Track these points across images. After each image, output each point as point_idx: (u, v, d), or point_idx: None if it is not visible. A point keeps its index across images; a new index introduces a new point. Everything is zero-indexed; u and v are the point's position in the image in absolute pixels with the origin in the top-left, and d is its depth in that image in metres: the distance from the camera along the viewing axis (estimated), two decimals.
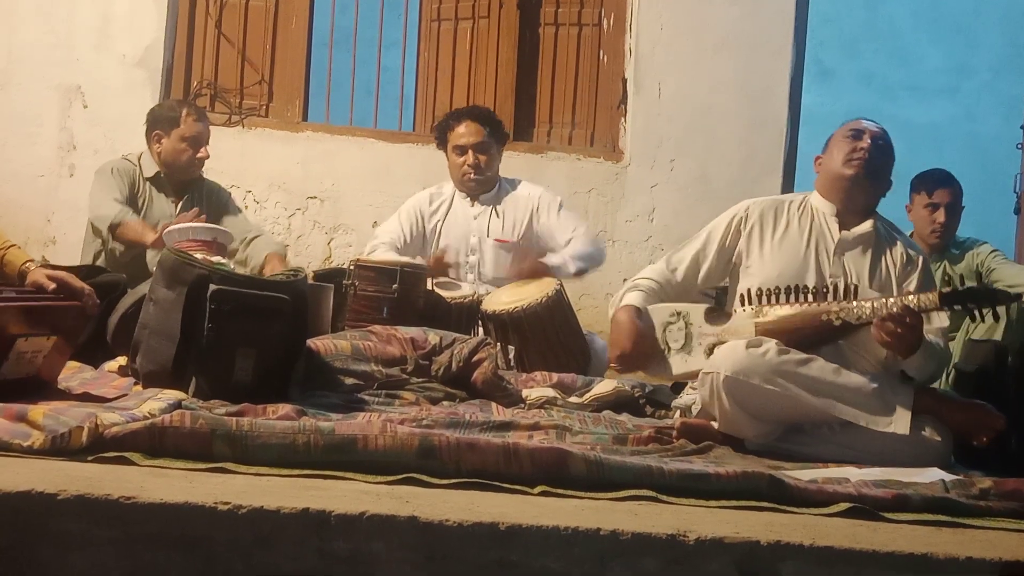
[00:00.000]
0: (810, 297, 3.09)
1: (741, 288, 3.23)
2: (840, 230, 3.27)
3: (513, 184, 4.81)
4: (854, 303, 3.04)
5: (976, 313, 2.89)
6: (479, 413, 3.18)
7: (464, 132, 4.68)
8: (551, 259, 4.57)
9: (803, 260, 3.23)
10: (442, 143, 4.78)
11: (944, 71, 10.04)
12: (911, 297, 2.99)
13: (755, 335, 3.07)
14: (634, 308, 3.26)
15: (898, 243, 3.30)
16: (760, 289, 3.14)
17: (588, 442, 2.88)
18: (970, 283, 2.94)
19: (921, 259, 3.31)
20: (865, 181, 3.24)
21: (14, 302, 2.81)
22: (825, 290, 3.10)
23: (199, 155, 4.62)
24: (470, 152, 4.66)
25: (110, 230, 4.44)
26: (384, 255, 4.38)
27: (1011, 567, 1.98)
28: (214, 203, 4.71)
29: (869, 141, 3.24)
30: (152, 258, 4.43)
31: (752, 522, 2.14)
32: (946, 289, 2.96)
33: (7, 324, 2.73)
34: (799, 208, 3.33)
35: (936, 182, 4.82)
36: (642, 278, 3.36)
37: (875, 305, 3.00)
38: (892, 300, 3.00)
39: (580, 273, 4.64)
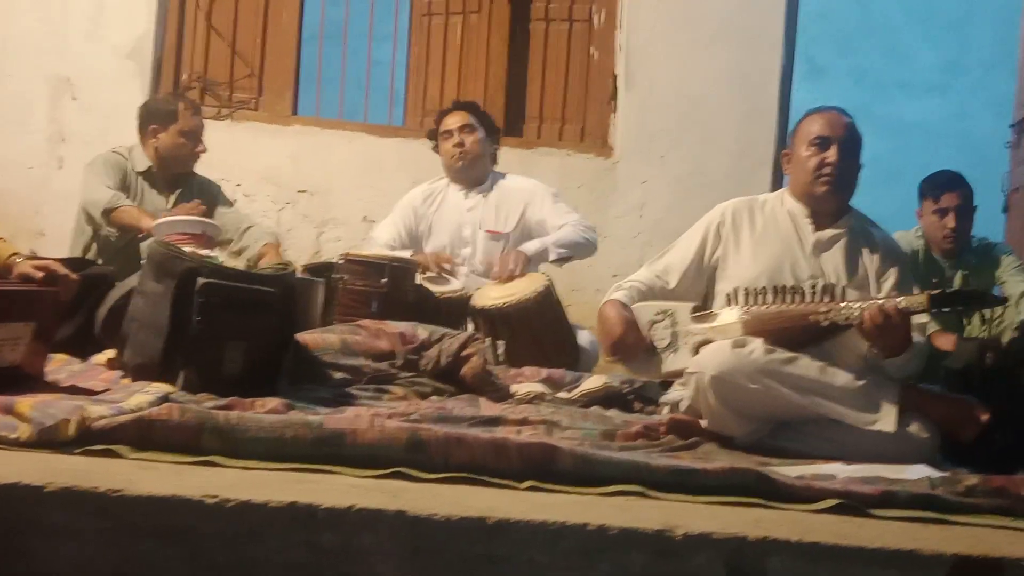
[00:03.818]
0: (797, 297, 3.10)
1: (722, 290, 3.24)
2: (815, 231, 3.27)
3: (507, 177, 4.81)
4: (842, 304, 3.04)
5: (964, 315, 2.90)
6: (467, 408, 3.18)
7: (450, 120, 4.76)
8: (530, 246, 4.54)
9: (780, 262, 3.22)
10: (434, 140, 4.81)
11: (936, 68, 10.08)
12: (900, 299, 2.99)
13: (741, 334, 3.07)
14: (619, 302, 3.27)
15: (875, 240, 3.30)
16: (747, 289, 3.14)
17: (576, 437, 2.88)
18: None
19: (898, 256, 3.32)
20: (836, 195, 3.25)
21: None
22: (813, 290, 3.10)
23: (197, 149, 4.60)
24: (455, 132, 4.69)
25: (104, 214, 4.37)
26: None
27: (963, 563, 1.99)
28: (205, 197, 4.68)
29: (836, 155, 3.21)
30: (147, 248, 4.42)
31: (739, 518, 2.14)
32: (935, 292, 2.97)
33: None
34: (773, 209, 3.34)
35: (943, 186, 4.63)
36: (627, 281, 3.36)
37: (863, 307, 3.00)
38: (881, 302, 3.00)
39: (562, 260, 4.62)
